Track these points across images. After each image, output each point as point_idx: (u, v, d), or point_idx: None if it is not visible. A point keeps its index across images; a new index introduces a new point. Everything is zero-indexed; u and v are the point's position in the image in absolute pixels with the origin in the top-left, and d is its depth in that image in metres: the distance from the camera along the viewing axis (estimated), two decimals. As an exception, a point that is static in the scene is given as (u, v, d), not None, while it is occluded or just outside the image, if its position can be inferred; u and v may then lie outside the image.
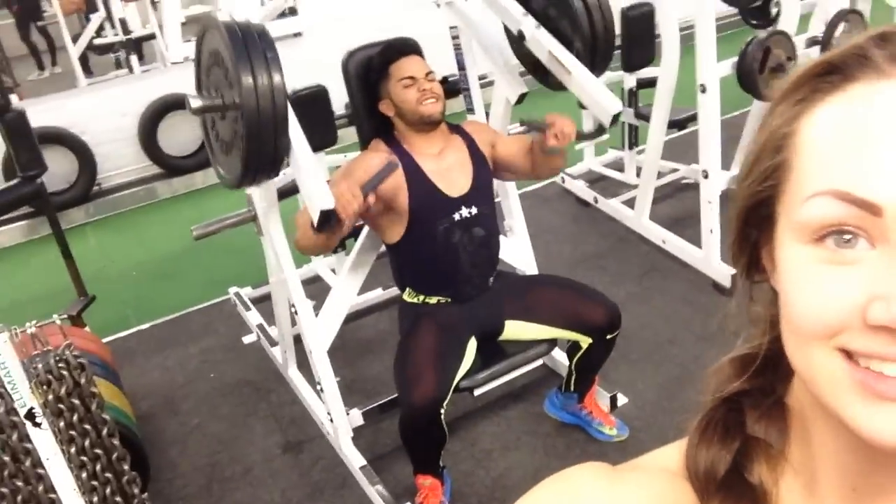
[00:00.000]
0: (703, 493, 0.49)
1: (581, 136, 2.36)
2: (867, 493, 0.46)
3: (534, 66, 2.57)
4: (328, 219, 1.89)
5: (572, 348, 2.38)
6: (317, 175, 1.96)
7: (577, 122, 2.40)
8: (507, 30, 2.58)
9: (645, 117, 3.80)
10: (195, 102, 1.93)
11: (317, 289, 3.32)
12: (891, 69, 0.39)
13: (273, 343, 3.18)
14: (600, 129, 2.42)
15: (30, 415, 1.80)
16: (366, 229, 2.53)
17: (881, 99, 0.39)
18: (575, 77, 2.35)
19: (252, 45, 1.80)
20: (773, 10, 3.62)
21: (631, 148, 4.29)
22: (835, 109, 0.40)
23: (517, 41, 2.54)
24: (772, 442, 0.49)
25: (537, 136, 2.27)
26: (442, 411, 2.07)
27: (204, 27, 1.94)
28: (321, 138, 3.10)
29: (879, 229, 0.37)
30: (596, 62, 2.44)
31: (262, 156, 1.88)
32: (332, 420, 2.49)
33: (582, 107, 4.07)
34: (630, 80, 4.02)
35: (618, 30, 3.63)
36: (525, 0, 2.51)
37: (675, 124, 3.67)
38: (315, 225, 1.92)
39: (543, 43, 2.41)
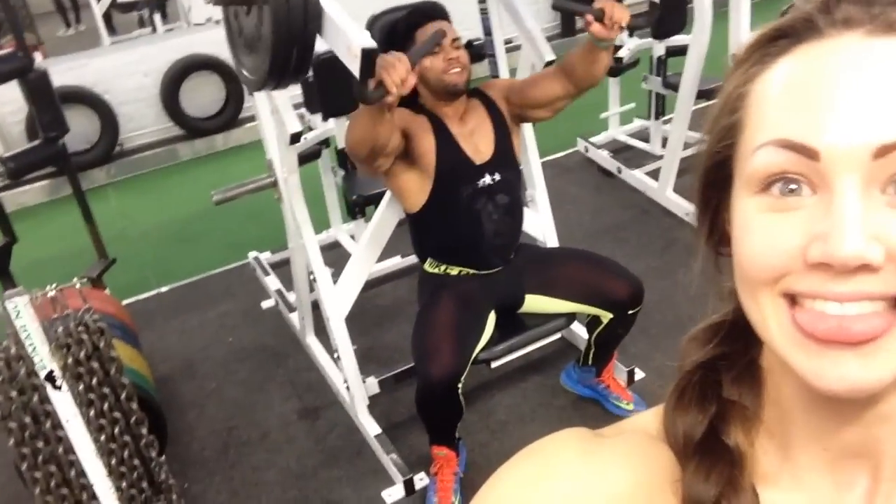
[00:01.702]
0: (681, 456, 0.49)
1: (634, 25, 2.06)
2: (838, 454, 0.47)
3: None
4: (372, 62, 1.68)
5: (592, 322, 2.35)
6: (350, 21, 1.74)
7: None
8: None
9: (673, 86, 3.72)
10: None
11: (336, 255, 3.31)
12: (830, 31, 0.42)
13: (291, 309, 3.18)
14: (652, 7, 2.14)
15: (49, 377, 1.81)
16: (386, 196, 2.50)
17: (820, 56, 0.42)
18: None
19: None
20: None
21: (657, 118, 4.20)
22: (782, 69, 0.43)
23: None
24: (747, 404, 0.50)
25: (581, 52, 2.06)
26: (460, 384, 2.06)
27: None
28: (343, 102, 3.06)
29: (818, 175, 0.40)
30: None
31: (289, 56, 1.74)
32: (348, 388, 2.50)
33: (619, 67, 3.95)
34: (659, 48, 3.93)
35: (648, -5, 3.55)
36: None
37: (704, 94, 3.58)
38: (360, 75, 1.70)
39: None
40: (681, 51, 3.62)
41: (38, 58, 3.64)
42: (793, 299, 0.41)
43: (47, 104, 3.10)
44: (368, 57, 1.65)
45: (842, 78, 0.40)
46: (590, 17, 1.93)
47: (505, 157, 2.25)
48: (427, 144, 2.14)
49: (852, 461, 0.47)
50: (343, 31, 1.71)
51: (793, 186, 0.41)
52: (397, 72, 1.68)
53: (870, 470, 0.47)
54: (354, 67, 1.68)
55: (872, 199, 0.39)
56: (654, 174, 3.85)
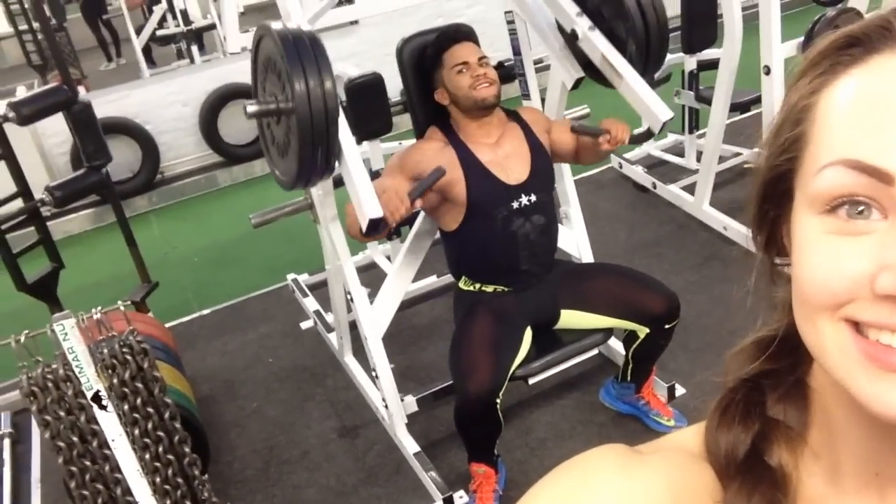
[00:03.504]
0: (723, 476, 0.48)
1: (633, 140, 2.40)
2: (891, 479, 0.45)
3: (585, 64, 2.54)
4: (376, 225, 1.97)
5: (629, 338, 2.34)
6: (366, 183, 2.00)
7: (632, 121, 2.38)
8: (559, 27, 2.55)
9: (706, 100, 3.70)
10: (251, 108, 2.00)
11: (372, 276, 3.34)
12: None
13: (329, 329, 3.21)
14: (649, 133, 2.45)
15: (96, 397, 1.86)
16: (421, 216, 2.53)
17: None
18: (627, 82, 2.36)
19: (304, 51, 1.85)
20: (844, -13, 3.47)
21: (691, 132, 4.18)
22: (853, 81, 0.40)
23: (570, 40, 2.51)
24: (792, 424, 0.48)
25: (591, 140, 2.29)
26: (498, 400, 2.06)
27: (259, 34, 2.01)
28: (376, 126, 3.13)
29: (891, 199, 0.37)
30: (648, 64, 2.43)
31: (314, 158, 1.93)
32: (386, 406, 2.51)
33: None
34: (691, 62, 3.92)
35: (679, 10, 3.55)
36: None
37: (737, 107, 3.55)
38: (363, 231, 1.99)
39: (597, 45, 2.40)
40: (712, 65, 3.60)
41: (81, 91, 3.76)
42: (856, 325, 0.39)
43: (91, 135, 3.20)
44: (374, 222, 1.95)
45: None
46: (602, 139, 2.20)
47: (541, 180, 2.28)
48: (456, 177, 2.18)
49: None
50: (357, 198, 1.99)
51: (860, 208, 0.38)
52: (398, 211, 1.96)
53: None
54: (363, 224, 1.97)
55: None
56: (690, 189, 3.82)
